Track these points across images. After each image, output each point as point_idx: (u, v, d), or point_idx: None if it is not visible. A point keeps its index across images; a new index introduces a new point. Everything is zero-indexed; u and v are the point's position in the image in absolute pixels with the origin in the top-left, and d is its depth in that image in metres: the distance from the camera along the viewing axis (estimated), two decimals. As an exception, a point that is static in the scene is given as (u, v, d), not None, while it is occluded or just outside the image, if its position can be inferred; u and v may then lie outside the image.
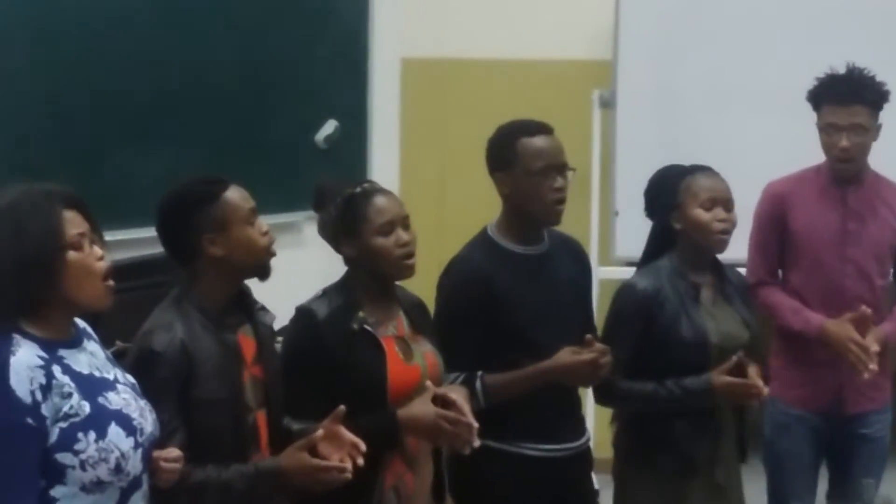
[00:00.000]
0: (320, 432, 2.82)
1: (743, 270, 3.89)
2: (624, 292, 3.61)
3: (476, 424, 3.05)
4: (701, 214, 3.53)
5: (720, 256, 3.66)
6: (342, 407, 2.86)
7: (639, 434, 3.64)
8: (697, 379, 3.48)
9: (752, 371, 3.46)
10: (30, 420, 2.36)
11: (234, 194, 2.92)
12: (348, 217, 3.17)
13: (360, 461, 2.82)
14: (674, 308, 3.52)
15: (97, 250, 2.50)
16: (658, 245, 3.64)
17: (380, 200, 3.18)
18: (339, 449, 2.83)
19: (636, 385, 3.52)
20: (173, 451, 2.66)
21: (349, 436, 2.84)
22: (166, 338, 2.80)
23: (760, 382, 3.45)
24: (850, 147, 3.85)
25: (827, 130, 3.87)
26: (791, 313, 3.92)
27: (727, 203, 3.55)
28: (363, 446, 2.83)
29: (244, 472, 2.80)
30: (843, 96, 3.85)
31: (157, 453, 2.62)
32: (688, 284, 3.56)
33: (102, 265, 2.50)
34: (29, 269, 2.41)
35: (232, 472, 2.79)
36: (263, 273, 2.97)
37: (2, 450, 2.35)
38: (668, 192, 3.59)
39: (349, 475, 2.80)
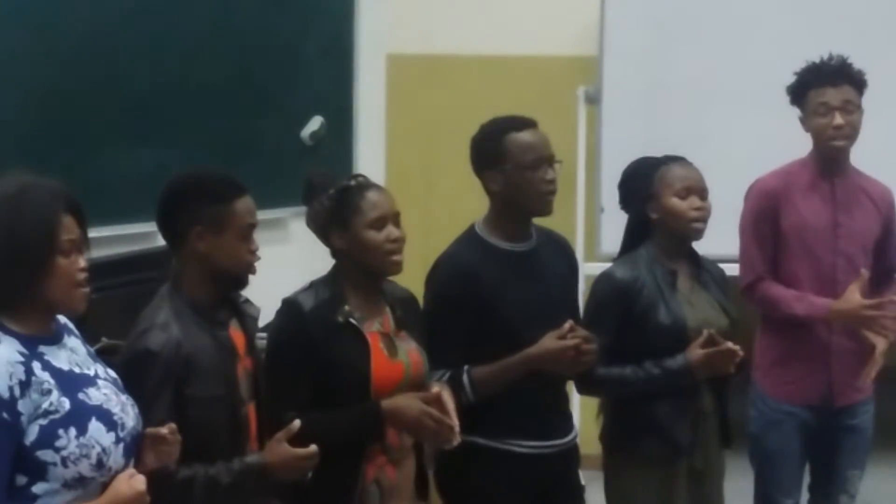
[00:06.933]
0: (297, 422, 2.84)
1: (727, 266, 3.89)
2: (602, 281, 3.63)
3: (457, 427, 3.08)
4: (676, 203, 3.56)
5: (702, 249, 3.68)
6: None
7: (623, 421, 3.66)
8: (674, 358, 3.51)
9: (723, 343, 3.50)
10: (5, 415, 2.35)
11: (244, 205, 2.90)
12: (341, 209, 3.17)
13: None
14: (651, 295, 3.55)
15: (80, 261, 2.49)
16: (634, 237, 3.67)
17: (373, 195, 3.20)
18: None
19: (615, 369, 3.54)
20: (170, 426, 2.62)
21: None
22: (162, 337, 2.78)
23: (734, 345, 3.47)
24: (845, 125, 3.86)
25: (819, 111, 3.87)
26: (795, 300, 3.91)
27: (702, 192, 3.58)
28: None
29: (230, 467, 2.80)
30: (832, 77, 3.88)
31: (149, 430, 2.60)
32: (665, 272, 3.58)
33: (81, 276, 2.49)
34: (18, 265, 2.41)
35: (218, 466, 2.79)
36: (238, 285, 2.96)
37: None
38: (642, 182, 3.62)
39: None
